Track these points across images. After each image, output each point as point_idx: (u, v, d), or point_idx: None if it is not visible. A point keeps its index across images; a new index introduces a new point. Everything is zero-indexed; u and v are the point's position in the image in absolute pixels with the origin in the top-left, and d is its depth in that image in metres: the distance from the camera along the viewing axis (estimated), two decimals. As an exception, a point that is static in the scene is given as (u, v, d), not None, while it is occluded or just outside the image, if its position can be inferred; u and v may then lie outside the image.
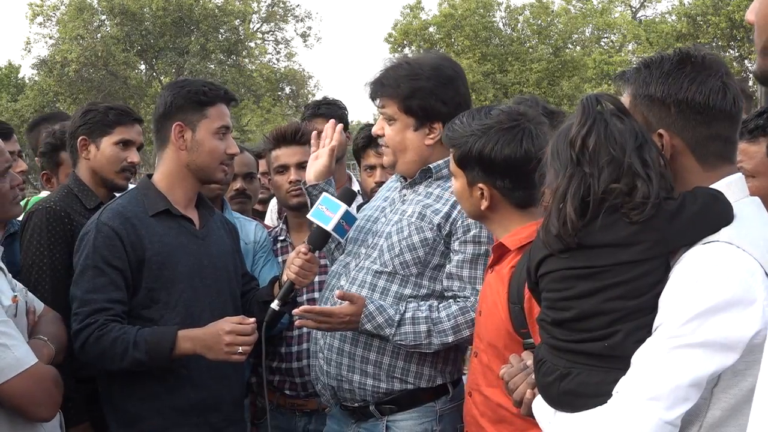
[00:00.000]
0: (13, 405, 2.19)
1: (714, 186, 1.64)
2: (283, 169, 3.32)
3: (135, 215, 2.68)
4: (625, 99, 1.74)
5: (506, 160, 2.26)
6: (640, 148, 1.61)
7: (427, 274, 2.62)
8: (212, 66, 33.73)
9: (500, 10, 35.16)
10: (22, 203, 2.97)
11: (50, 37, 33.56)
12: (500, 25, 35.18)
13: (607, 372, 1.58)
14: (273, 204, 4.42)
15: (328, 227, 2.65)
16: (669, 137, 1.66)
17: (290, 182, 3.28)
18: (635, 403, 1.51)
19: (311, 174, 2.88)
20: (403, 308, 2.56)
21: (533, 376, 1.81)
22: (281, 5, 36.40)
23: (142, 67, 35.14)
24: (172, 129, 2.72)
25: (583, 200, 1.61)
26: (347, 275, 2.72)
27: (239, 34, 34.76)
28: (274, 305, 2.67)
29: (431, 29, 34.47)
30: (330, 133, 2.89)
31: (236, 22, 34.34)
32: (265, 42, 37.13)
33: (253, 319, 2.58)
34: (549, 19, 34.65)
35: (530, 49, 34.40)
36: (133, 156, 3.19)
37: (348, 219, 2.68)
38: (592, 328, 1.61)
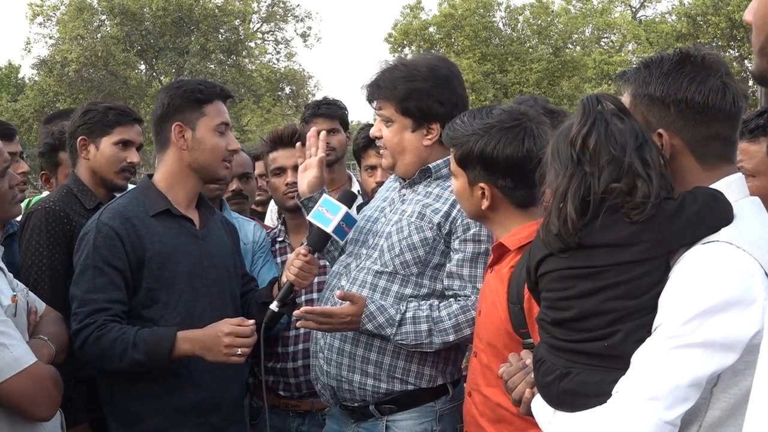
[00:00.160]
0: (12, 404, 2.19)
1: (714, 186, 1.64)
2: (280, 171, 3.33)
3: (135, 215, 2.68)
4: (626, 99, 1.74)
5: (508, 159, 2.26)
6: (641, 148, 1.61)
7: (427, 273, 2.62)
8: (212, 66, 33.74)
9: (500, 10, 35.22)
10: (24, 204, 2.97)
11: (50, 37, 33.61)
12: (500, 25, 35.22)
13: (606, 372, 1.58)
14: (273, 204, 4.42)
15: (328, 229, 2.65)
16: (669, 137, 1.66)
17: (287, 184, 3.30)
18: (635, 403, 1.50)
19: (304, 186, 2.88)
20: (404, 308, 2.56)
21: (532, 375, 1.81)
22: (281, 5, 36.43)
23: (142, 67, 35.16)
24: (172, 130, 2.72)
25: (584, 200, 1.61)
26: (348, 275, 2.72)
27: (239, 34, 34.78)
28: (274, 306, 2.68)
29: (431, 29, 34.49)
30: (314, 142, 2.89)
31: (236, 22, 34.36)
32: (265, 42, 37.17)
33: (252, 321, 2.57)
34: (549, 19, 34.68)
35: (530, 49, 34.42)
36: (133, 156, 3.18)
37: (348, 221, 2.68)
38: (592, 327, 1.61)
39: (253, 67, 35.47)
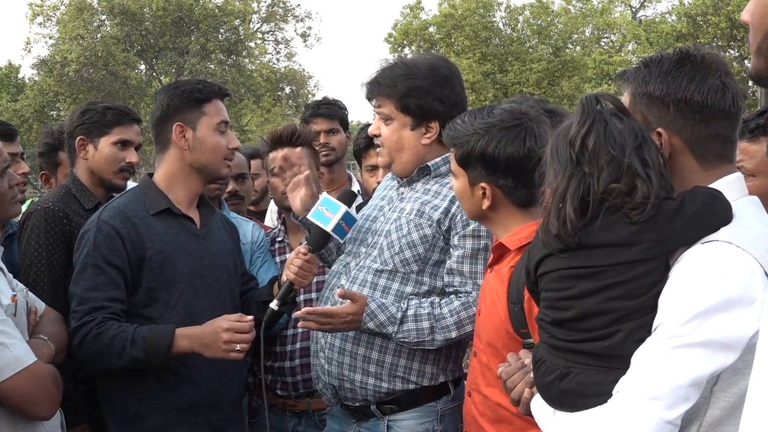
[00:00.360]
0: (12, 403, 2.19)
1: (713, 185, 1.64)
2: (280, 170, 3.33)
3: (136, 214, 2.69)
4: (625, 98, 1.74)
5: (509, 158, 2.26)
6: (640, 148, 1.61)
7: (427, 270, 2.62)
8: (212, 66, 33.76)
9: (500, 10, 35.22)
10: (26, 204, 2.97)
11: (50, 37, 33.62)
12: (500, 25, 35.22)
13: (607, 372, 1.58)
14: (273, 205, 4.42)
15: (328, 228, 2.65)
16: (668, 136, 1.66)
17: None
18: (635, 403, 1.50)
19: (298, 206, 2.86)
20: (405, 306, 2.56)
21: (531, 375, 1.81)
22: (281, 5, 36.44)
23: (142, 67, 35.17)
24: (172, 130, 2.73)
25: (583, 200, 1.61)
26: (348, 274, 2.72)
27: (239, 34, 34.79)
28: (273, 305, 2.68)
29: (431, 29, 34.50)
30: (296, 162, 2.88)
31: (236, 22, 34.37)
32: (265, 42, 37.18)
33: (251, 317, 2.58)
34: (549, 19, 34.69)
35: (530, 49, 34.42)
36: (132, 156, 3.18)
37: (348, 220, 2.68)
38: (592, 327, 1.61)
39: (253, 67, 35.48)
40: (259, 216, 4.34)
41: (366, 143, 3.97)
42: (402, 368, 2.62)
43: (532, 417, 1.78)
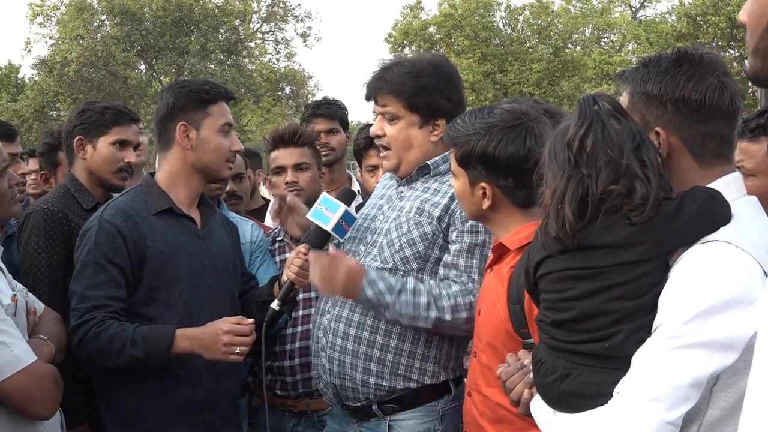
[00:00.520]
0: (12, 403, 2.19)
1: (712, 185, 1.64)
2: (280, 170, 3.33)
3: (137, 213, 2.69)
4: (624, 98, 1.74)
5: (510, 158, 2.25)
6: (638, 149, 1.61)
7: (427, 268, 2.62)
8: (212, 66, 33.78)
9: (500, 10, 35.25)
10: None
11: (50, 37, 33.65)
12: (500, 25, 35.24)
13: (607, 372, 1.58)
14: (273, 205, 4.42)
15: (328, 227, 2.65)
16: (666, 135, 1.66)
17: (287, 183, 3.29)
18: (636, 404, 1.50)
19: (297, 232, 2.85)
20: (405, 280, 2.55)
21: (531, 376, 1.80)
22: (281, 5, 36.46)
23: (142, 67, 35.19)
24: (176, 129, 2.73)
25: (582, 202, 1.60)
26: (348, 273, 2.71)
27: (239, 34, 34.81)
28: (274, 305, 2.68)
29: (431, 29, 34.52)
30: (282, 188, 2.88)
31: (236, 22, 34.39)
32: (265, 42, 37.19)
33: (251, 320, 2.57)
34: (549, 19, 34.70)
35: (530, 49, 34.44)
36: (130, 156, 3.18)
37: (347, 219, 2.68)
38: (592, 328, 1.61)
39: (253, 67, 35.49)
40: (254, 214, 4.34)
41: (366, 143, 3.97)
42: (403, 367, 2.62)
43: (532, 417, 1.78)
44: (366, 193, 3.97)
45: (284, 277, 2.72)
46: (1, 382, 2.13)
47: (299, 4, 54.26)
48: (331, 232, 2.66)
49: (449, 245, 2.59)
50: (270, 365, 3.17)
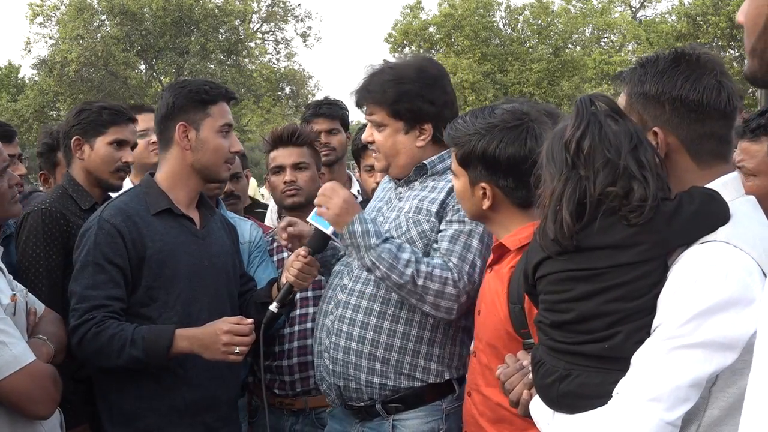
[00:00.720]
0: (10, 402, 2.19)
1: (710, 185, 1.64)
2: (279, 169, 3.34)
3: (137, 213, 2.69)
4: (621, 99, 1.74)
5: (510, 159, 2.25)
6: (636, 150, 1.60)
7: None
8: (212, 66, 33.79)
9: (500, 10, 35.26)
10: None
11: (50, 37, 33.66)
12: (500, 25, 35.26)
13: (607, 373, 1.58)
14: (273, 204, 4.42)
15: (328, 231, 2.65)
16: (664, 135, 1.66)
17: (285, 182, 3.30)
18: (636, 404, 1.50)
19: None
20: (395, 237, 2.57)
21: (530, 377, 1.80)
22: (281, 5, 36.47)
23: (142, 67, 35.21)
24: (176, 129, 2.73)
25: (579, 203, 1.60)
26: (350, 274, 2.72)
27: (239, 34, 34.83)
28: (273, 307, 2.67)
29: (431, 29, 34.53)
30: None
31: (236, 22, 34.41)
32: (265, 42, 37.21)
33: (250, 320, 2.57)
34: (549, 19, 34.71)
35: (530, 49, 34.46)
36: (128, 156, 3.19)
37: None
38: (592, 330, 1.60)
39: (253, 67, 35.51)
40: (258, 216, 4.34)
41: (364, 143, 3.97)
42: (408, 366, 2.62)
43: (532, 418, 1.78)
44: (365, 193, 3.97)
45: (283, 280, 2.72)
46: (-1, 381, 2.13)
47: (299, 4, 54.21)
48: (331, 236, 2.66)
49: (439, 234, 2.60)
50: (268, 365, 3.17)
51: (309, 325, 3.11)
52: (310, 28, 45.12)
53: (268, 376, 3.19)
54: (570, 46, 35.44)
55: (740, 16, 1.17)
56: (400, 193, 2.77)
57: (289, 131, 3.37)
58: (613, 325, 1.58)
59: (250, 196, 5.02)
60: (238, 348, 2.52)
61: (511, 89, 32.10)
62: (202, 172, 2.77)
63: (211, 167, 2.77)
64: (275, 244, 3.39)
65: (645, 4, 38.32)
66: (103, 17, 33.15)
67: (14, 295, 2.33)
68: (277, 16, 36.70)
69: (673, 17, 33.88)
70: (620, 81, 1.77)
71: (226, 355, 2.52)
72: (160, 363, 2.57)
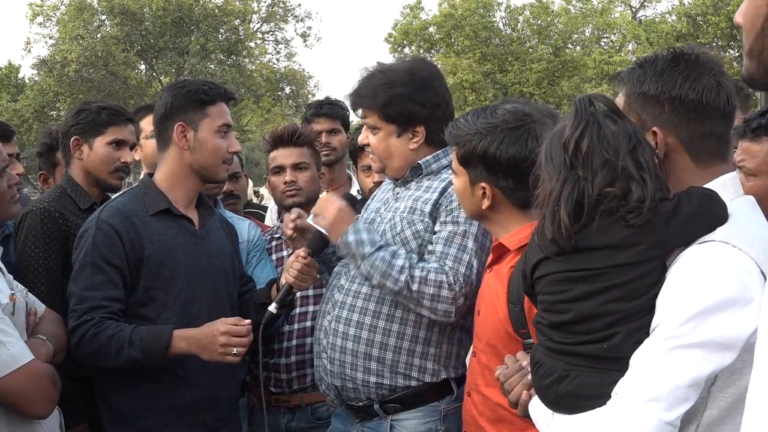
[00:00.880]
0: (8, 402, 2.19)
1: (708, 185, 1.64)
2: (279, 169, 3.34)
3: (135, 214, 2.68)
4: (620, 99, 1.74)
5: (510, 159, 2.25)
6: (634, 150, 1.60)
7: None
8: (212, 66, 33.79)
9: (500, 10, 35.26)
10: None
11: (50, 37, 33.65)
12: (500, 25, 35.25)
13: (606, 374, 1.58)
14: (273, 204, 4.42)
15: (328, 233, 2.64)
16: (663, 135, 1.66)
17: (285, 183, 3.30)
18: (635, 404, 1.50)
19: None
20: (391, 243, 2.58)
21: (529, 377, 1.80)
22: (281, 5, 36.47)
23: (142, 67, 35.21)
24: (174, 129, 2.73)
25: (578, 204, 1.60)
26: (347, 274, 2.72)
27: (239, 34, 34.82)
28: (272, 308, 2.68)
29: (431, 29, 34.53)
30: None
31: (236, 22, 34.40)
32: (265, 42, 37.21)
33: (248, 321, 2.57)
34: (549, 19, 34.71)
35: (530, 49, 34.46)
36: (127, 156, 3.19)
37: None
38: (591, 330, 1.60)
39: (253, 67, 35.51)
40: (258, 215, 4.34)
41: (360, 145, 3.97)
42: (403, 365, 2.62)
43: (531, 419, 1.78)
44: (363, 193, 3.97)
45: (283, 281, 2.72)
46: (-3, 380, 2.13)
47: (299, 4, 54.25)
48: (330, 239, 2.66)
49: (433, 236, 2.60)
50: (266, 362, 3.17)
51: (308, 323, 3.11)
52: (310, 28, 45.22)
53: (264, 373, 3.18)
54: (570, 46, 35.43)
55: (738, 17, 1.17)
56: (398, 193, 2.78)
57: (290, 131, 3.37)
58: (611, 326, 1.58)
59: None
60: (235, 349, 2.52)
61: (511, 89, 32.10)
62: (201, 172, 2.77)
63: (209, 167, 2.77)
64: (274, 243, 3.39)
65: (645, 4, 38.32)
66: (103, 17, 33.15)
67: (13, 294, 2.33)
68: (277, 16, 36.71)
69: (673, 17, 33.88)
70: (618, 81, 1.77)
71: (224, 356, 2.52)
72: (158, 364, 2.57)
